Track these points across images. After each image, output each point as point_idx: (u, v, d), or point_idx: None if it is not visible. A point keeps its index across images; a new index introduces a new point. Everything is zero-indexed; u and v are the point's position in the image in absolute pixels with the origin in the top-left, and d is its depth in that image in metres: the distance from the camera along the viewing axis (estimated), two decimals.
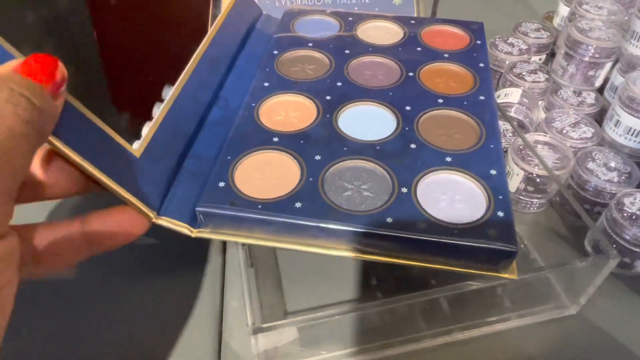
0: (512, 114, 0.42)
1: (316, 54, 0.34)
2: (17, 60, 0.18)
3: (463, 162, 0.26)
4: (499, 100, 0.43)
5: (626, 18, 0.46)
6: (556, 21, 0.53)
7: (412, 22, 0.37)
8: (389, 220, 0.23)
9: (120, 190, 0.22)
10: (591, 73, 0.43)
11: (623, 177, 0.35)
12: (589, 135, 0.39)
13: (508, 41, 0.50)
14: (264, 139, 0.27)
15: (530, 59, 0.49)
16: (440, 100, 0.30)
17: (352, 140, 0.27)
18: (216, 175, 0.25)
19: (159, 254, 0.35)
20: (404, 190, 0.25)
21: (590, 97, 0.44)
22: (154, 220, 0.24)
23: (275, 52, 0.34)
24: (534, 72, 0.46)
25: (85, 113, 0.22)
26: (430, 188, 0.25)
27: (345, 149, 0.27)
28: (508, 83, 0.45)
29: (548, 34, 0.51)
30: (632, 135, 0.37)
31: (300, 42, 0.35)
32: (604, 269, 0.27)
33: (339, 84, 0.31)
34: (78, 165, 0.21)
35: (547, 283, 0.31)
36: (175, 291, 0.32)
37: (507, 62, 0.47)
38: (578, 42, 0.42)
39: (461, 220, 0.23)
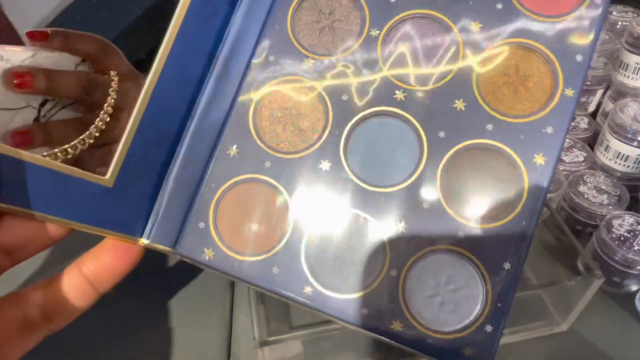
0: None
1: (348, 2, 0.25)
2: None
3: (476, 244, 0.21)
4: None
5: (618, 46, 0.48)
6: None
7: None
8: (364, 311, 0.21)
9: (91, 229, 0.21)
10: (584, 99, 0.45)
11: (613, 200, 0.37)
12: (581, 159, 0.41)
13: None
14: (255, 162, 0.24)
15: None
16: (490, 127, 0.22)
17: (355, 182, 0.23)
18: (198, 210, 0.24)
19: (170, 269, 0.37)
20: (393, 273, 0.22)
21: (583, 122, 0.46)
22: (138, 244, 0.23)
23: None
24: None
25: (26, 158, 0.19)
26: (425, 272, 0.22)
27: (343, 194, 0.23)
28: None
29: None
30: (621, 159, 0.39)
31: None
32: (590, 288, 0.29)
33: (365, 70, 0.24)
34: (37, 217, 0.20)
35: (539, 301, 0.33)
36: (188, 306, 0.34)
37: None
38: None
39: (441, 327, 0.21)
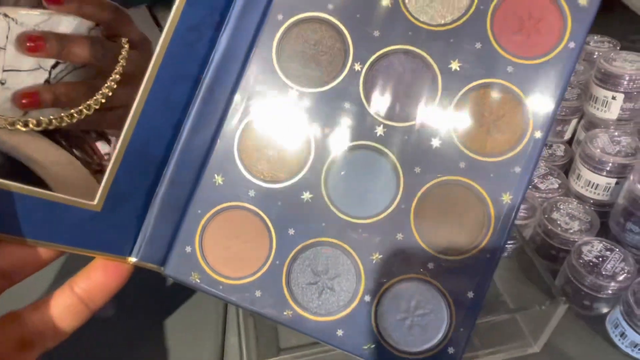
0: None
1: (333, 33, 0.25)
2: None
3: (444, 274, 0.24)
4: None
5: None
6: None
7: None
8: (339, 333, 0.24)
9: (82, 251, 0.22)
10: (559, 128, 0.48)
11: (584, 226, 0.39)
12: (556, 186, 0.43)
13: None
14: (239, 190, 0.25)
15: None
16: (463, 165, 0.24)
17: (334, 213, 0.24)
18: (184, 235, 0.25)
19: (164, 289, 0.39)
20: (367, 299, 0.24)
21: (560, 150, 0.48)
22: (127, 262, 0.24)
23: (280, 16, 0.25)
24: None
25: (16, 190, 0.20)
26: (396, 297, 0.24)
27: (323, 224, 0.24)
28: None
29: None
30: (591, 187, 0.41)
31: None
32: (556, 312, 0.31)
33: (347, 105, 0.25)
34: (29, 244, 0.21)
35: (514, 323, 0.35)
36: (181, 326, 0.36)
37: None
38: None
39: (409, 347, 0.23)
